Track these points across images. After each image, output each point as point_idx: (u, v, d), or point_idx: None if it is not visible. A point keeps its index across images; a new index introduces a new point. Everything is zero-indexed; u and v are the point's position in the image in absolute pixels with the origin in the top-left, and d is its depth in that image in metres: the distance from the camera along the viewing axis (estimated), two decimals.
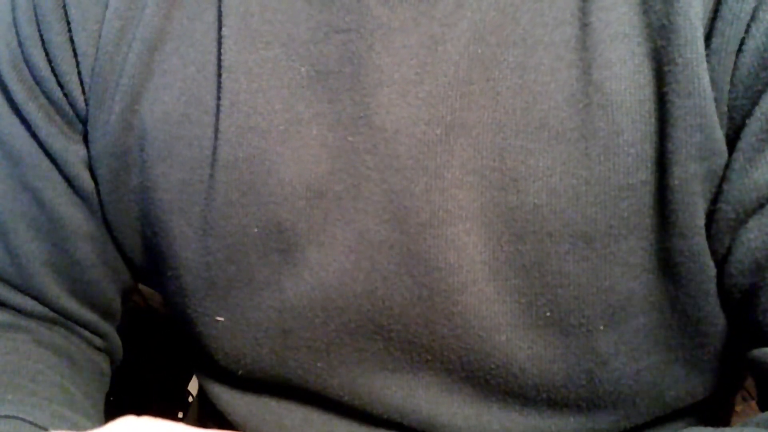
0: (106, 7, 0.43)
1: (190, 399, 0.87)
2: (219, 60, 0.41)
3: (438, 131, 0.39)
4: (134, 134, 0.43)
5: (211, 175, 0.42)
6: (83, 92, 0.44)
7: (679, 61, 0.36)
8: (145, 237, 0.46)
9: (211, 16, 0.42)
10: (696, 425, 0.47)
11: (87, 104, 0.44)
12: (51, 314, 0.47)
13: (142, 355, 0.72)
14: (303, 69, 0.40)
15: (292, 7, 0.41)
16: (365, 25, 0.39)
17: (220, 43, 0.41)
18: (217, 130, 0.41)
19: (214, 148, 0.41)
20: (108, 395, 0.51)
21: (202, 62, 0.42)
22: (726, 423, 0.51)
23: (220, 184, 0.41)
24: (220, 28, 0.41)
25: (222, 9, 0.41)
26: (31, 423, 0.37)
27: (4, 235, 0.45)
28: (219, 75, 0.41)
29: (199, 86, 0.42)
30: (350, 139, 0.40)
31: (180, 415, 0.85)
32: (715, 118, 0.36)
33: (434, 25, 0.39)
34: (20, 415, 0.38)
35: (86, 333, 0.50)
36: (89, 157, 0.45)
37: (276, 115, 0.41)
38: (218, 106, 0.41)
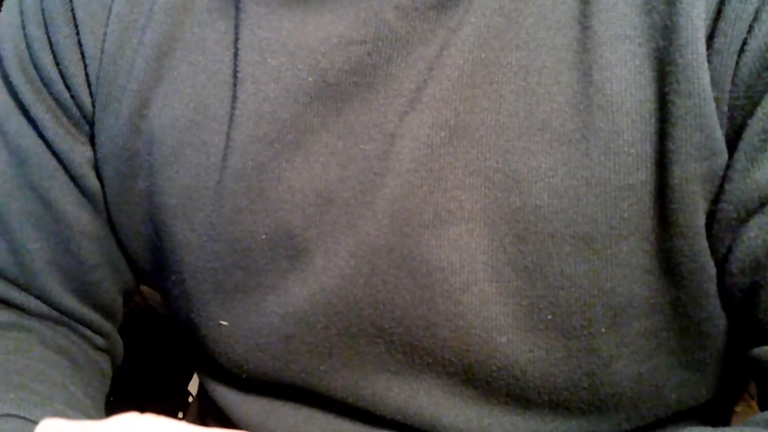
0: (110, 10, 0.43)
1: (190, 399, 0.87)
2: (235, 69, 0.41)
3: (442, 134, 0.39)
4: (142, 138, 0.43)
5: (219, 182, 0.42)
6: (90, 94, 0.44)
7: (680, 61, 0.36)
8: (150, 240, 0.46)
9: (223, 25, 0.42)
10: (696, 425, 0.47)
11: (94, 106, 0.44)
12: (54, 314, 0.48)
13: (142, 355, 0.72)
14: (310, 79, 0.40)
15: (300, 16, 0.41)
16: (383, 38, 0.39)
17: (236, 54, 0.41)
18: (228, 138, 0.41)
19: (225, 155, 0.42)
20: (108, 395, 0.51)
21: (212, 71, 0.42)
22: (726, 423, 0.51)
23: (229, 191, 0.42)
24: (236, 39, 0.41)
25: (239, 22, 0.41)
26: (32, 422, 0.38)
27: (9, 234, 0.45)
28: (234, 85, 0.41)
29: (209, 94, 0.42)
30: (362, 147, 0.40)
31: (180, 415, 0.85)
32: (716, 118, 0.36)
33: (447, 33, 0.39)
34: (22, 414, 0.38)
35: (88, 333, 0.50)
36: (95, 159, 0.45)
37: (285, 125, 0.41)
38: (231, 115, 0.41)
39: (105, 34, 0.43)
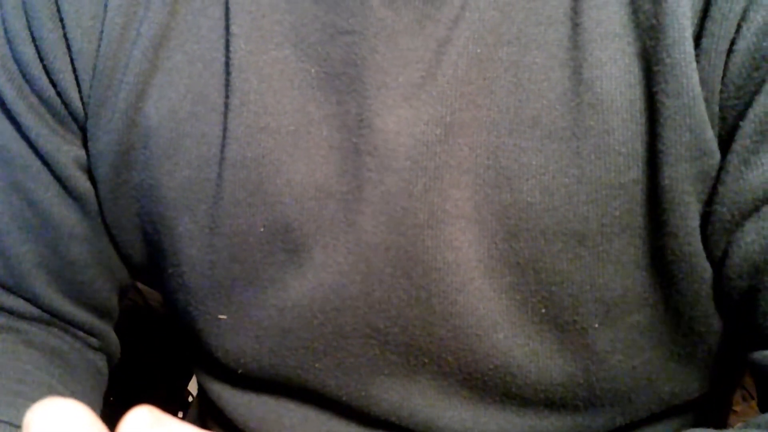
0: (105, 4, 0.42)
1: (190, 399, 0.87)
2: (227, 58, 0.41)
3: (438, 131, 0.39)
4: (138, 131, 0.43)
5: (219, 174, 0.41)
6: (79, 90, 0.43)
7: (668, 61, 0.36)
8: (146, 234, 0.46)
9: (216, 12, 0.42)
10: (692, 421, 0.47)
11: (83, 102, 0.43)
12: (44, 316, 0.47)
13: (142, 354, 0.72)
14: (313, 70, 0.40)
15: (300, 8, 0.40)
16: (369, 27, 0.39)
17: (227, 41, 0.41)
18: (225, 129, 0.41)
19: (222, 146, 0.41)
20: (108, 395, 0.51)
21: (208, 59, 0.41)
22: (723, 419, 0.51)
23: (228, 183, 0.41)
24: (227, 26, 0.41)
25: (229, 6, 0.41)
26: (7, 423, 0.37)
27: None
28: (227, 73, 0.41)
29: (206, 83, 0.42)
30: (354, 141, 0.40)
31: (180, 415, 0.85)
32: (705, 118, 0.36)
33: (440, 27, 0.39)
34: (3, 418, 0.38)
35: (81, 333, 0.49)
36: (89, 155, 0.44)
37: (286, 116, 0.40)
38: (227, 105, 0.41)
39: (98, 27, 0.42)
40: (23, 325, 0.47)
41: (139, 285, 0.76)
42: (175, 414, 0.84)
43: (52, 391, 0.42)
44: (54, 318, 0.48)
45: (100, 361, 0.51)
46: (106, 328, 0.51)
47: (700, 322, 0.40)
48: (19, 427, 0.38)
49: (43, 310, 0.47)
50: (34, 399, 0.40)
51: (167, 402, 0.85)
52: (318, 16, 0.40)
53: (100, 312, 0.50)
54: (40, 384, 0.42)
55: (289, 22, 0.41)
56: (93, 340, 0.50)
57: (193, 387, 0.87)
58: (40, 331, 0.47)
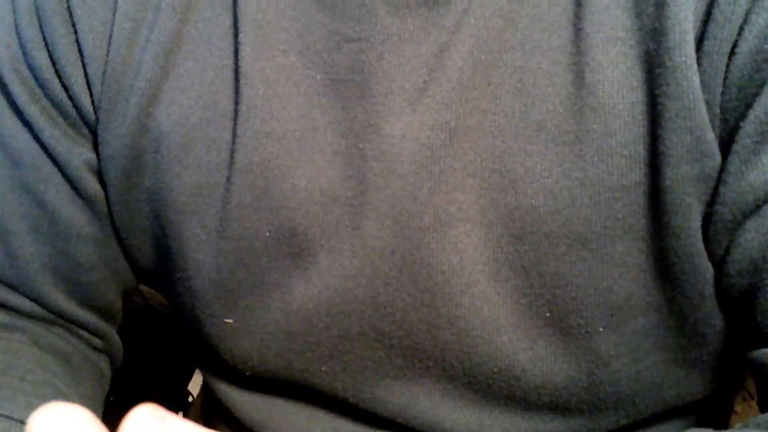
0: (114, 9, 0.42)
1: (190, 399, 0.87)
2: (236, 65, 0.41)
3: (442, 136, 0.39)
4: (149, 136, 0.43)
5: (228, 179, 0.42)
6: (90, 94, 0.44)
7: (669, 64, 0.36)
8: (155, 238, 0.46)
9: (227, 21, 0.42)
10: (694, 422, 0.47)
11: (95, 106, 0.44)
12: (49, 316, 0.47)
13: (142, 355, 0.72)
14: (318, 77, 0.41)
15: (307, 15, 0.41)
16: (375, 34, 0.39)
17: (236, 49, 0.41)
18: (234, 135, 0.41)
19: (232, 152, 0.42)
20: (108, 395, 0.51)
21: (219, 66, 0.42)
22: (725, 421, 0.51)
23: (235, 188, 0.42)
24: (236, 34, 0.41)
25: (238, 15, 0.41)
26: (16, 420, 0.38)
27: (4, 236, 0.45)
28: (236, 80, 0.41)
29: (217, 90, 0.42)
30: (360, 146, 0.40)
31: (180, 415, 0.85)
32: (706, 121, 0.36)
33: (443, 33, 0.39)
34: (5, 413, 0.38)
35: (85, 334, 0.50)
36: (99, 159, 0.45)
37: (292, 122, 0.41)
38: (236, 111, 0.41)
39: (111, 32, 0.42)
40: (28, 325, 0.47)
41: (140, 286, 0.77)
42: (175, 414, 0.84)
43: (54, 390, 0.42)
44: (59, 318, 0.48)
45: (103, 363, 0.51)
46: (110, 330, 0.51)
47: (703, 324, 0.40)
48: (18, 421, 0.38)
49: (48, 310, 0.47)
50: (35, 397, 0.40)
51: (167, 402, 0.85)
52: (324, 24, 0.40)
53: (105, 314, 0.50)
54: (42, 383, 0.42)
55: (295, 29, 0.41)
56: (96, 342, 0.51)
57: (193, 387, 0.87)
58: (44, 331, 0.47)
